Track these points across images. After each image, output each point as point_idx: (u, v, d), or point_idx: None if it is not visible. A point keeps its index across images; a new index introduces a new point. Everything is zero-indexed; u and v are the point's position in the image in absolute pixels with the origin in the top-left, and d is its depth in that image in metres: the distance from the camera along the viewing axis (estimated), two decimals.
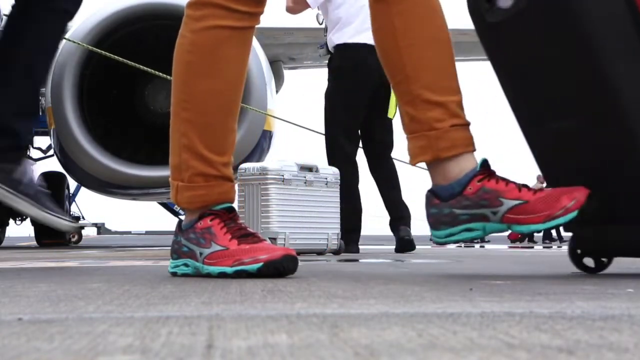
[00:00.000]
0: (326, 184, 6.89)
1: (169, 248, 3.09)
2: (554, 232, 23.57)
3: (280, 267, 2.74)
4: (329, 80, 7.43)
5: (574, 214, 2.68)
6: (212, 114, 2.90)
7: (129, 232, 25.49)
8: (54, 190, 15.90)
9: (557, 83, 2.82)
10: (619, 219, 2.81)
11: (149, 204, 19.68)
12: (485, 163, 2.83)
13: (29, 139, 3.91)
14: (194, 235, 2.93)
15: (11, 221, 15.25)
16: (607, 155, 2.77)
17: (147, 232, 25.26)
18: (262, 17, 3.00)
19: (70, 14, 3.77)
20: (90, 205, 25.41)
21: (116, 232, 24.75)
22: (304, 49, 13.75)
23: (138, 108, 11.21)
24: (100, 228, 24.23)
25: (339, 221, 6.90)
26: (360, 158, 7.61)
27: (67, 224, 3.87)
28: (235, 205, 3.05)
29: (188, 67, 2.91)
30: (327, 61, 7.66)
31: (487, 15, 2.90)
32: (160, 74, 7.26)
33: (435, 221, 2.86)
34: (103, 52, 7.62)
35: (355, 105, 7.30)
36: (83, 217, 23.04)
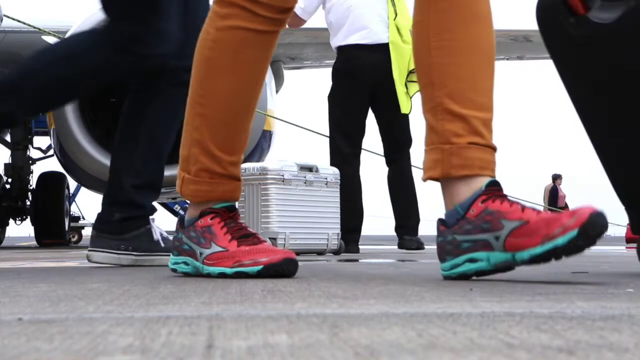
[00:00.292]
0: (326, 184, 6.89)
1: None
2: None
3: (280, 270, 2.72)
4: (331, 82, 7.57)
5: (573, 232, 2.38)
6: (227, 112, 2.87)
7: None
8: (54, 191, 15.84)
9: None
10: None
11: None
12: (493, 183, 2.59)
13: (152, 207, 4.12)
14: (194, 234, 2.92)
15: (11, 221, 15.25)
16: None
17: None
18: None
19: None
20: (90, 205, 25.39)
21: None
22: (304, 49, 13.75)
23: None
24: None
25: (339, 221, 6.90)
26: (365, 158, 7.64)
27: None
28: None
29: (208, 63, 2.86)
30: (328, 61, 7.80)
31: (572, 29, 2.74)
32: None
33: (440, 251, 2.65)
34: None
35: (351, 105, 7.35)
36: (83, 217, 23.03)
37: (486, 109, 2.63)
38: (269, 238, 6.58)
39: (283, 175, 6.67)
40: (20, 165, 14.76)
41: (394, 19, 7.27)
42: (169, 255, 3.74)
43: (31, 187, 15.02)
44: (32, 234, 15.31)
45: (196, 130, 2.88)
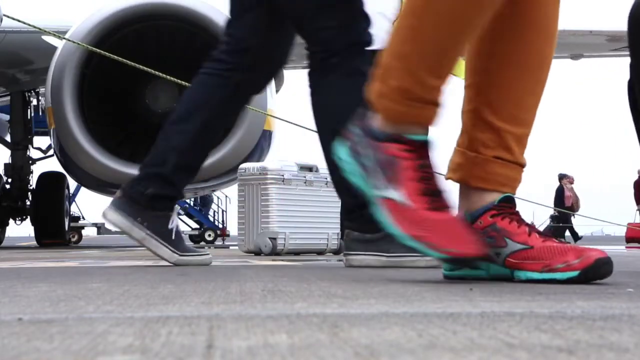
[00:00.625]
0: (326, 184, 6.89)
1: None
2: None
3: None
4: None
5: (574, 273, 2.40)
6: (443, 30, 2.45)
7: None
8: (54, 191, 15.84)
9: None
10: None
11: None
12: (507, 199, 2.57)
13: (182, 193, 4.16)
14: (377, 155, 2.50)
15: (11, 221, 15.25)
16: None
17: None
18: None
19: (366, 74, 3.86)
20: (90, 205, 25.43)
21: (116, 232, 24.76)
22: (304, 49, 13.75)
23: (138, 108, 11.21)
24: (100, 228, 24.25)
25: (339, 221, 6.91)
26: None
27: (209, 258, 4.04)
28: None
29: None
30: None
31: None
32: (161, 74, 7.26)
33: None
34: (103, 52, 7.62)
35: None
36: (83, 217, 23.05)
37: (524, 125, 2.58)
38: (269, 238, 6.58)
39: (283, 175, 6.68)
40: (20, 165, 14.76)
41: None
42: (172, 251, 3.74)
43: (31, 187, 15.02)
44: (32, 234, 15.32)
45: (403, 43, 2.48)
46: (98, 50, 7.88)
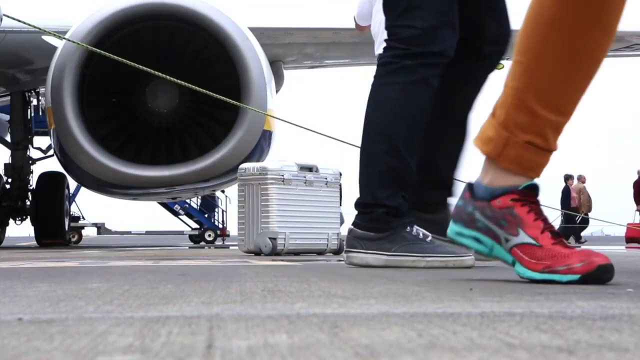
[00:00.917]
0: (326, 184, 6.89)
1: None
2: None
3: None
4: None
5: (575, 277, 2.41)
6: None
7: (129, 232, 25.52)
8: (54, 191, 15.85)
9: None
10: None
11: (149, 204, 19.68)
12: (532, 187, 2.55)
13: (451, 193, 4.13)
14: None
15: (11, 221, 15.25)
16: None
17: (147, 232, 25.29)
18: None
19: (430, 87, 3.89)
20: (90, 205, 25.46)
21: (116, 232, 24.80)
22: (304, 49, 13.75)
23: (138, 108, 11.21)
24: (100, 228, 24.27)
25: (339, 221, 6.91)
26: None
27: (471, 259, 3.84)
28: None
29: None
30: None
31: None
32: (161, 74, 7.26)
33: (456, 213, 2.68)
34: (103, 52, 7.62)
35: None
36: (83, 217, 23.06)
37: (563, 113, 2.53)
38: (269, 238, 6.59)
39: (283, 175, 6.68)
40: (20, 165, 14.76)
41: None
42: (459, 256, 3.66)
43: (31, 187, 15.02)
44: (32, 234, 15.32)
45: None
46: (98, 50, 7.88)
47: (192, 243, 20.99)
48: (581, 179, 23.62)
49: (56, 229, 14.78)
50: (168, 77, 7.10)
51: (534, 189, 2.57)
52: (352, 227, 3.97)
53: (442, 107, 4.06)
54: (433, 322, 1.40)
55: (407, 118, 3.83)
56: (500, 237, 2.57)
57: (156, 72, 7.15)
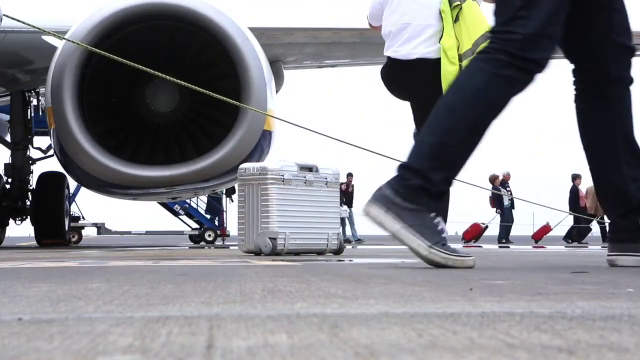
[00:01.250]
0: (326, 184, 6.89)
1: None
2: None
3: None
4: None
5: None
6: None
7: (129, 232, 25.50)
8: (54, 191, 15.82)
9: None
10: None
11: (149, 204, 19.66)
12: None
13: None
14: None
15: (11, 221, 15.25)
16: None
17: (147, 232, 25.27)
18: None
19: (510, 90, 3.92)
20: (90, 205, 25.44)
21: (116, 232, 24.79)
22: (304, 49, 13.74)
23: (138, 108, 11.21)
24: (100, 228, 24.26)
25: (339, 221, 6.91)
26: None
27: (472, 260, 3.83)
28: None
29: None
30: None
31: None
32: (161, 74, 7.26)
33: None
34: (103, 52, 7.62)
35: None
36: (83, 217, 23.05)
37: None
38: (269, 238, 6.59)
39: (283, 175, 6.68)
40: (20, 165, 14.76)
41: (440, 40, 7.27)
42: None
43: (31, 187, 15.02)
44: (32, 234, 15.31)
45: None
46: (98, 51, 7.88)
47: (192, 243, 20.98)
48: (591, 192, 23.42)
49: (56, 229, 14.78)
50: (168, 77, 7.09)
51: None
52: (386, 185, 3.93)
53: (602, 133, 4.10)
54: (433, 322, 1.40)
55: (480, 105, 3.86)
56: None
57: (156, 72, 7.15)
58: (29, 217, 15.07)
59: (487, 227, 22.70)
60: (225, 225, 22.91)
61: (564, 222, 23.29)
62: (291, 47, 13.52)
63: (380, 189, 3.86)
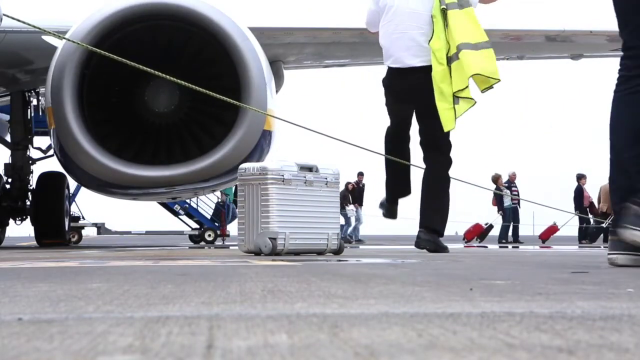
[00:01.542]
0: (326, 184, 6.89)
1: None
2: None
3: None
4: None
5: None
6: None
7: (129, 232, 25.49)
8: (54, 191, 15.79)
9: None
10: None
11: (149, 204, 19.66)
12: None
13: None
14: None
15: (11, 221, 15.25)
16: None
17: (147, 232, 25.26)
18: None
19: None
20: (90, 205, 25.39)
21: (116, 232, 24.78)
22: (304, 49, 13.74)
23: (138, 108, 11.20)
24: (100, 228, 24.26)
25: (339, 220, 6.91)
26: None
27: None
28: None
29: None
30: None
31: None
32: (161, 74, 7.25)
33: None
34: (103, 52, 7.62)
35: (394, 111, 7.48)
36: (83, 217, 23.04)
37: None
38: (269, 238, 6.59)
39: (283, 175, 6.68)
40: (20, 165, 14.75)
41: (429, 42, 7.34)
42: None
43: (31, 187, 15.01)
44: (32, 234, 15.30)
45: None
46: (98, 50, 7.88)
47: (192, 243, 20.98)
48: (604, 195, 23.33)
49: (56, 229, 14.77)
50: (168, 77, 7.09)
51: None
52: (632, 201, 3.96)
53: None
54: (433, 322, 1.40)
55: (621, 129, 3.95)
56: None
57: (156, 72, 7.15)
58: (29, 217, 15.06)
59: (492, 226, 22.67)
60: (226, 223, 22.90)
61: (570, 223, 23.27)
62: (291, 47, 13.52)
63: (630, 211, 3.93)
